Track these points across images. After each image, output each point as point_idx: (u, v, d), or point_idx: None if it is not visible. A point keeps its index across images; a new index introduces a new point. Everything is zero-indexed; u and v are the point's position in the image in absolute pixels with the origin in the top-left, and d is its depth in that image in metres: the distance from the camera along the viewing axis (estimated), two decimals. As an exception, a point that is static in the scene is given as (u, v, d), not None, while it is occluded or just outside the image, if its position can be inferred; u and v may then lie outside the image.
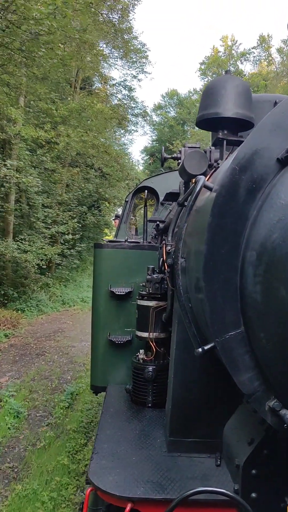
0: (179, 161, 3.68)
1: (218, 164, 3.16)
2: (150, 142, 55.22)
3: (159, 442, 3.26)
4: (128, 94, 32.27)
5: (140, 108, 34.85)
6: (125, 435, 3.40)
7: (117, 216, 8.45)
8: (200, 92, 44.89)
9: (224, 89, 3.06)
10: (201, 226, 2.34)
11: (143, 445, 3.24)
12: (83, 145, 20.52)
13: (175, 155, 3.96)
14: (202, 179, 2.42)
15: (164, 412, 3.57)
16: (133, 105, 33.40)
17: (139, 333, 4.26)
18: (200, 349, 2.31)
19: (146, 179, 8.10)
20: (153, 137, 54.14)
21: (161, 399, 3.88)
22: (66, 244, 20.53)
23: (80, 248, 22.76)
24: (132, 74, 30.92)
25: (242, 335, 2.15)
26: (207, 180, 3.00)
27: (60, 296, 20.57)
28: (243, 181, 2.11)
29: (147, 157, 52.81)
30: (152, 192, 7.49)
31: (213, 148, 3.40)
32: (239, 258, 2.14)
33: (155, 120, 52.90)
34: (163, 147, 4.17)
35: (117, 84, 31.34)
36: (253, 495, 2.53)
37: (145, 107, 36.83)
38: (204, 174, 3.05)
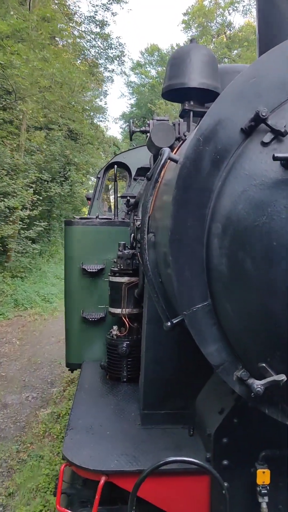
0: (148, 134, 3.61)
1: (185, 136, 3.12)
2: (128, 107, 49.61)
3: (133, 416, 3.30)
4: (99, 32, 24.95)
5: (115, 48, 27.50)
6: (100, 410, 3.42)
7: (88, 198, 8.33)
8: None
9: (189, 59, 2.99)
10: (168, 200, 2.32)
11: (118, 419, 3.27)
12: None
13: (143, 128, 3.89)
14: (167, 151, 2.38)
15: (138, 386, 3.60)
16: (106, 46, 26.36)
17: (112, 310, 4.26)
18: (168, 323, 2.31)
19: (118, 154, 7.98)
20: (132, 101, 48.23)
21: (135, 373, 3.91)
22: (21, 223, 16.06)
23: (41, 228, 17.69)
24: (103, 4, 24.15)
25: (209, 307, 2.16)
26: (175, 153, 2.96)
27: (12, 296, 14.73)
28: (207, 152, 2.08)
29: (126, 124, 46.88)
30: (125, 167, 7.40)
31: (181, 120, 3.35)
32: (205, 231, 2.13)
33: (134, 82, 46.50)
34: (131, 120, 4.09)
35: (85, 21, 24.43)
36: (225, 462, 2.59)
37: (123, 46, 30.02)
38: (172, 146, 3.00)
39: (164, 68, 37.78)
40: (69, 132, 22.03)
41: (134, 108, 46.48)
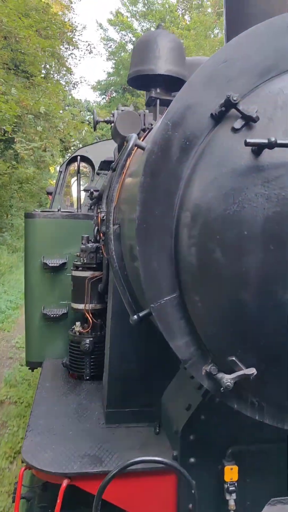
0: (112, 124, 3.50)
1: (151, 126, 3.03)
2: (105, 74, 41.63)
3: (97, 415, 3.18)
4: None
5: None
6: (62, 410, 3.28)
7: (48, 193, 8.08)
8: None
9: (156, 45, 2.90)
10: (134, 190, 2.21)
11: (80, 418, 3.14)
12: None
13: (107, 118, 3.77)
14: (133, 137, 2.27)
15: (102, 384, 3.49)
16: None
17: (75, 305, 4.11)
18: (135, 317, 2.21)
19: (80, 148, 7.81)
20: (111, 67, 38.81)
21: (99, 371, 3.79)
22: None
23: None
24: None
25: (177, 299, 2.08)
26: (141, 141, 2.86)
27: None
28: (176, 138, 1.99)
29: (102, 96, 38.39)
30: (87, 161, 7.24)
31: (147, 111, 3.26)
32: (174, 220, 2.04)
33: (113, 39, 35.11)
34: (94, 110, 3.96)
35: None
36: (192, 460, 2.53)
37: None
38: (138, 136, 2.91)
39: (153, 22, 31.41)
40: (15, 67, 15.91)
41: (112, 77, 36.75)
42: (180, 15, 32.35)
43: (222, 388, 1.94)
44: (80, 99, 34.74)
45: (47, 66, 20.59)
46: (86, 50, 27.42)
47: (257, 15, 2.48)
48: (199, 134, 2.01)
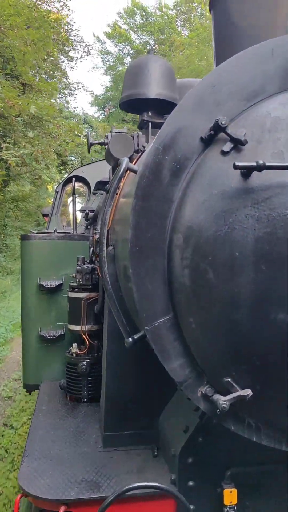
0: (106, 146, 3.55)
1: (144, 148, 3.07)
2: (103, 90, 39.26)
3: (94, 438, 3.14)
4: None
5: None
6: (59, 434, 3.24)
7: (44, 215, 8.12)
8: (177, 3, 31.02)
9: (147, 69, 2.96)
10: (127, 211, 2.24)
11: (78, 442, 3.10)
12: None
13: (102, 140, 3.82)
14: (125, 161, 2.31)
15: (99, 406, 3.46)
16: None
17: (71, 327, 4.10)
18: (130, 339, 2.21)
19: (76, 168, 7.88)
20: (108, 81, 37.52)
21: (97, 393, 3.76)
22: None
23: None
24: None
25: (172, 321, 2.08)
26: (134, 164, 2.90)
27: None
28: (167, 162, 2.02)
29: (100, 111, 36.95)
30: (83, 181, 7.30)
31: (140, 133, 3.30)
32: (166, 242, 2.05)
33: (110, 53, 34.57)
34: (88, 132, 4.01)
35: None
36: (190, 483, 2.49)
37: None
38: (131, 158, 2.95)
39: (150, 34, 30.98)
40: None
41: (110, 92, 35.80)
42: (179, 28, 31.51)
43: (218, 410, 1.93)
44: (76, 110, 33.42)
45: (38, 68, 18.07)
46: (84, 52, 25.70)
47: (244, 40, 2.55)
48: (189, 157, 2.04)
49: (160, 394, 2.93)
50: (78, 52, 25.60)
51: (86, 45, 25.65)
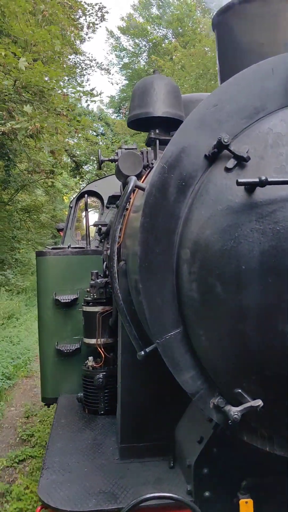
0: (117, 163, 3.64)
1: (153, 164, 3.15)
2: (117, 90, 36.99)
3: (111, 450, 3.19)
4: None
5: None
6: (77, 446, 3.29)
7: (59, 230, 8.29)
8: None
9: (153, 89, 3.06)
10: (137, 226, 2.31)
11: (95, 454, 3.15)
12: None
13: (112, 157, 3.92)
14: (133, 179, 2.39)
15: (116, 418, 3.50)
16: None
17: (87, 340, 4.17)
18: (142, 352, 2.27)
19: (90, 183, 8.02)
20: (122, 82, 33.53)
21: (113, 405, 3.80)
22: None
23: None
24: None
25: (182, 334, 2.13)
26: (142, 180, 2.98)
27: None
28: (173, 180, 2.09)
29: (116, 114, 33.03)
30: (97, 196, 7.41)
31: (149, 149, 3.39)
32: (174, 257, 2.12)
33: (126, 51, 31.22)
34: (99, 150, 4.12)
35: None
36: (207, 494, 2.52)
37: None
38: (140, 174, 3.02)
39: (169, 23, 27.20)
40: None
41: (124, 93, 32.44)
42: (199, 16, 27.61)
43: (230, 421, 1.97)
44: (90, 107, 28.40)
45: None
46: (97, 16, 19.62)
47: (246, 57, 2.62)
48: (194, 174, 2.11)
49: (175, 405, 2.96)
50: (91, 16, 19.49)
51: (100, 8, 19.67)
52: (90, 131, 19.13)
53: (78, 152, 20.30)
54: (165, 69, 22.63)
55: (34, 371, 10.06)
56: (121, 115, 32.68)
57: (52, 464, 3.00)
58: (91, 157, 21.27)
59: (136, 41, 30.53)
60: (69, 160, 20.69)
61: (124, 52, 31.98)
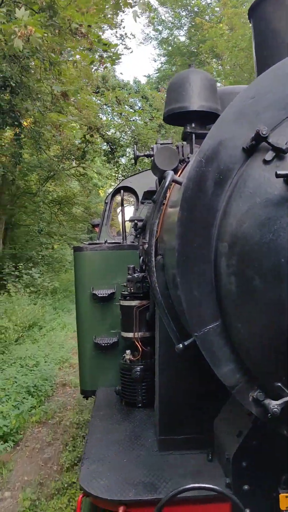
0: (152, 158, 3.66)
1: (189, 158, 3.15)
2: (156, 65, 33.70)
3: (150, 442, 3.23)
4: None
5: None
6: (115, 438, 3.36)
7: (93, 225, 8.42)
8: None
9: (189, 83, 3.05)
10: (175, 221, 2.33)
11: (134, 446, 3.20)
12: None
13: (147, 152, 3.94)
14: (170, 174, 2.40)
15: (153, 411, 3.54)
16: None
17: (124, 334, 4.23)
18: (180, 345, 2.29)
19: (124, 179, 8.08)
20: (162, 56, 28.99)
21: (151, 398, 3.85)
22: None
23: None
24: None
25: (221, 327, 2.14)
26: (179, 175, 2.99)
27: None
28: (210, 173, 2.09)
29: (155, 88, 27.38)
30: (132, 191, 7.47)
31: (184, 143, 3.39)
32: (212, 250, 2.12)
33: (164, 24, 27.70)
34: (135, 146, 4.14)
35: None
36: (246, 487, 2.52)
37: None
38: (176, 169, 3.03)
39: None
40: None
41: (165, 65, 28.72)
42: None
43: (269, 414, 1.97)
44: (124, 79, 25.54)
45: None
46: None
47: (283, 46, 2.58)
48: (232, 167, 2.10)
49: (213, 398, 2.97)
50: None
51: None
52: (126, 107, 17.68)
53: (112, 130, 18.48)
54: (210, 39, 19.80)
55: (50, 413, 7.34)
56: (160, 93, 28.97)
57: (92, 455, 3.08)
58: (126, 138, 19.22)
59: (177, 11, 26.59)
60: (101, 142, 18.67)
61: (162, 24, 28.19)
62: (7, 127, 11.62)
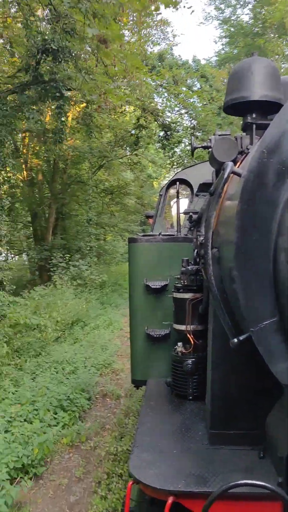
0: (210, 149, 3.60)
1: (248, 150, 3.07)
2: (216, 47, 31.78)
3: (200, 435, 3.22)
4: None
5: None
6: (166, 428, 3.38)
7: (147, 216, 8.45)
8: None
9: (251, 72, 2.97)
10: (232, 214, 2.29)
11: (184, 438, 3.21)
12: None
13: (205, 143, 3.89)
14: (229, 165, 2.35)
15: (204, 404, 3.53)
16: None
17: (177, 326, 4.23)
18: (235, 340, 2.25)
19: (179, 171, 8.04)
20: (224, 37, 26.31)
21: (202, 391, 3.83)
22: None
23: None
24: None
25: (278, 323, 2.09)
26: (238, 166, 2.93)
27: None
28: (272, 165, 2.03)
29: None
30: (187, 183, 7.42)
31: (243, 134, 3.31)
32: (271, 245, 2.07)
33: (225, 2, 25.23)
34: (192, 137, 4.10)
35: None
36: None
37: None
38: (234, 160, 2.97)
39: None
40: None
41: (225, 48, 26.15)
42: None
43: None
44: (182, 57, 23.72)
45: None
46: None
47: None
48: (295, 159, 2.03)
49: (267, 395, 2.91)
50: None
51: None
52: (183, 89, 16.19)
53: (168, 114, 17.21)
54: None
55: (84, 434, 6.32)
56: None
57: (142, 443, 3.11)
58: (182, 122, 17.71)
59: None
60: (156, 127, 17.26)
61: (225, 2, 25.51)
62: (52, 101, 10.80)
